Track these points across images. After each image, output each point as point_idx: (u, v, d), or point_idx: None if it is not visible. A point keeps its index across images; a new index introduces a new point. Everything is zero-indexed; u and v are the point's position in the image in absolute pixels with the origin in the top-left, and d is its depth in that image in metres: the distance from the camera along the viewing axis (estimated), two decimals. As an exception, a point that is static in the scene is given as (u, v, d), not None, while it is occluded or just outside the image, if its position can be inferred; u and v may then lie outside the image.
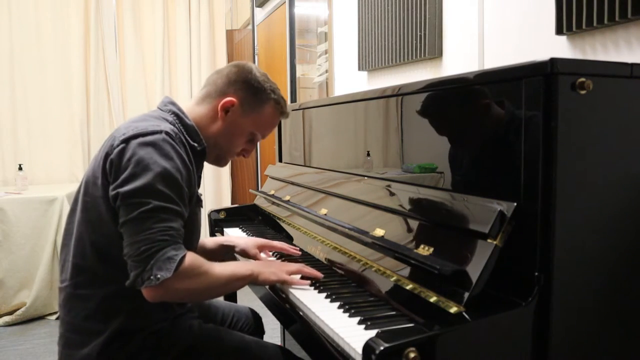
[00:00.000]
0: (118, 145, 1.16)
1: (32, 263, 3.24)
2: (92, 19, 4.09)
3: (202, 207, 1.38)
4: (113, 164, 1.15)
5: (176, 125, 1.28)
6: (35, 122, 3.99)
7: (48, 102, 4.02)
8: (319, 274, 1.29)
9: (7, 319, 3.19)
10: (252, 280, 1.27)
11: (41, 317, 3.27)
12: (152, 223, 1.10)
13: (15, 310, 3.22)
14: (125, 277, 1.13)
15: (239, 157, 1.45)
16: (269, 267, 1.30)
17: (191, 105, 1.36)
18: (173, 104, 1.33)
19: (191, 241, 1.29)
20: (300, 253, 1.53)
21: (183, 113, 1.31)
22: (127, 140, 1.16)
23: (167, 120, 1.27)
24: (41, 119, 4.00)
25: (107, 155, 1.18)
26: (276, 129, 2.32)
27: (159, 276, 1.08)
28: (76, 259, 1.23)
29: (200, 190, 1.36)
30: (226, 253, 1.62)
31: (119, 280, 1.16)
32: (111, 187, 1.15)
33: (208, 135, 1.33)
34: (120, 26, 4.25)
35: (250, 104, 1.34)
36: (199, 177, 1.38)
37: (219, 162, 1.43)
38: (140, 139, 1.15)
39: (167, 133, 1.18)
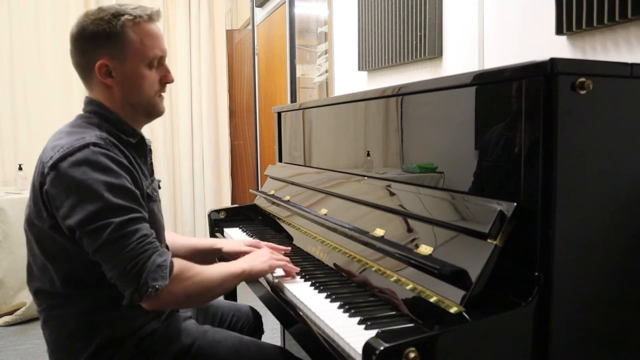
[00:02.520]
0: (49, 173, 1.08)
1: (32, 263, 3.24)
2: (92, 19, 4.09)
3: (156, 201, 1.29)
4: (50, 195, 1.08)
5: (103, 125, 1.19)
6: (35, 122, 3.99)
7: (48, 102, 4.02)
8: (297, 269, 1.34)
9: (7, 319, 3.19)
10: (246, 277, 1.26)
11: (41, 317, 3.27)
12: (125, 240, 1.06)
13: (15, 310, 3.22)
14: (98, 292, 1.11)
15: (167, 90, 1.29)
16: (259, 258, 1.30)
17: (89, 95, 1.25)
18: (92, 102, 1.23)
19: (158, 238, 1.23)
20: (289, 249, 1.53)
21: (105, 109, 1.21)
22: (55, 166, 1.07)
23: (92, 124, 1.18)
24: (41, 119, 4.00)
25: (41, 185, 1.10)
26: (276, 130, 2.32)
27: (156, 286, 1.06)
28: (45, 286, 1.18)
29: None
30: (213, 255, 1.60)
31: (94, 297, 1.15)
32: (60, 219, 1.08)
33: (121, 106, 1.22)
34: (120, 26, 4.24)
35: (115, 47, 1.17)
36: (151, 166, 1.32)
37: (153, 114, 1.27)
38: (70, 159, 1.07)
39: (94, 144, 1.09)
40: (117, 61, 1.19)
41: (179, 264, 1.13)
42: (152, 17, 1.22)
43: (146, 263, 1.06)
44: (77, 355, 1.18)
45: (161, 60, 1.25)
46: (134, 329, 1.21)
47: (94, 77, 1.21)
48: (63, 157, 1.08)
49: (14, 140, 3.96)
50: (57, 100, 4.05)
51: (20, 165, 3.64)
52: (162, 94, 1.28)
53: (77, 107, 4.07)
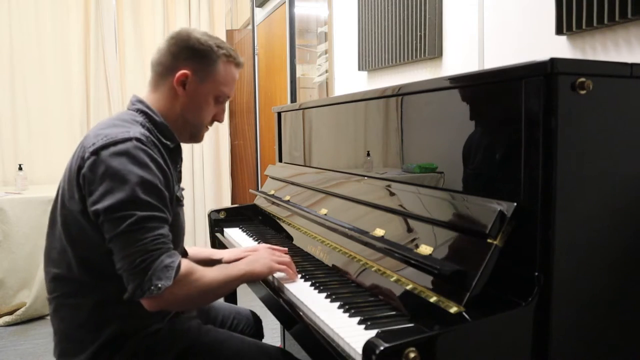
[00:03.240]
0: (89, 158, 1.12)
1: (32, 263, 3.24)
2: (92, 19, 4.09)
3: (182, 205, 1.35)
4: (86, 178, 1.12)
5: (146, 125, 1.24)
6: (35, 122, 3.99)
7: (48, 102, 4.02)
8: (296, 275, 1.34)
9: (7, 319, 3.19)
10: (247, 279, 1.27)
11: (41, 317, 3.28)
12: (142, 234, 1.08)
13: (15, 310, 3.22)
14: (113, 285, 1.12)
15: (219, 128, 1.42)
16: (259, 261, 1.31)
17: (147, 94, 1.32)
18: (141, 102, 1.29)
19: (177, 242, 1.27)
20: (286, 250, 1.52)
21: (152, 110, 1.27)
22: (97, 152, 1.12)
23: (137, 122, 1.23)
24: (41, 119, 4.00)
25: (79, 168, 1.14)
26: (276, 130, 2.32)
27: (159, 285, 1.07)
28: (62, 272, 1.21)
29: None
30: (212, 265, 1.60)
31: (108, 289, 1.16)
32: (89, 203, 1.12)
33: (175, 116, 1.29)
34: (120, 26, 4.25)
35: (203, 68, 1.28)
36: (179, 173, 1.37)
37: (194, 138, 1.37)
38: (112, 149, 1.11)
39: (137, 139, 1.14)
40: (196, 78, 1.28)
41: (185, 267, 1.14)
42: (240, 64, 1.37)
43: (155, 261, 1.08)
44: (83, 347, 1.20)
45: (225, 100, 1.37)
46: (140, 327, 1.23)
47: (168, 80, 1.29)
48: (106, 146, 1.12)
49: (14, 140, 3.96)
50: (57, 100, 4.05)
51: (20, 165, 3.64)
52: (205, 130, 1.39)
53: (77, 107, 4.08)
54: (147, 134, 1.20)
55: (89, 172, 1.12)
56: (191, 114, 1.31)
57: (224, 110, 1.39)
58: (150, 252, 1.08)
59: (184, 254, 1.47)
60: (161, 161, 1.18)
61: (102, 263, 1.15)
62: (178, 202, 1.29)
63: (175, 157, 1.32)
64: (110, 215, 1.09)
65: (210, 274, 1.19)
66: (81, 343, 1.20)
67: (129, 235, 1.08)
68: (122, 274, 1.10)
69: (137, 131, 1.17)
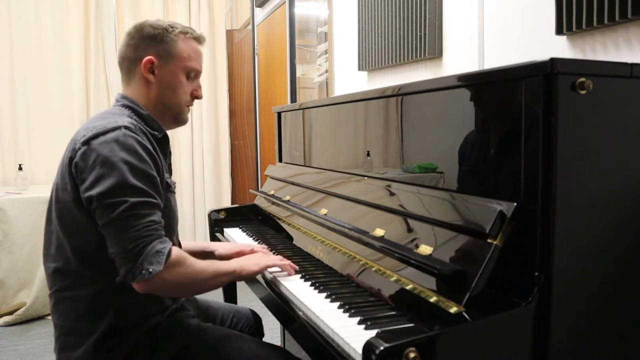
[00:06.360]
0: (80, 148, 1.16)
1: (32, 263, 3.24)
2: (92, 19, 4.09)
3: (174, 192, 1.38)
4: (78, 167, 1.16)
5: (133, 117, 1.28)
6: (35, 122, 3.99)
7: (48, 102, 4.02)
8: (294, 266, 1.36)
9: (7, 319, 3.19)
10: (236, 276, 1.30)
11: (41, 317, 3.27)
12: (134, 220, 1.12)
13: (15, 310, 3.22)
14: (110, 276, 1.15)
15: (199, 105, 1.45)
16: (251, 261, 1.34)
17: (124, 91, 1.36)
18: (125, 97, 1.33)
19: (170, 228, 1.30)
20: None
21: (136, 104, 1.31)
22: (87, 142, 1.16)
23: (124, 114, 1.28)
24: (41, 119, 4.00)
25: (71, 159, 1.18)
26: (276, 130, 2.32)
27: (150, 270, 1.11)
28: (60, 265, 1.23)
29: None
30: (206, 258, 1.62)
31: (105, 279, 1.19)
32: (82, 190, 1.15)
33: (154, 104, 1.33)
34: (120, 26, 4.25)
35: (164, 50, 1.32)
36: (169, 165, 1.40)
37: (178, 121, 1.39)
38: (102, 138, 1.16)
39: (126, 127, 1.19)
40: (162, 61, 1.32)
41: (176, 253, 1.17)
42: (198, 38, 1.39)
43: (146, 247, 1.12)
44: (82, 340, 1.21)
45: (197, 75, 1.39)
46: (138, 321, 1.24)
47: (137, 71, 1.32)
48: (96, 136, 1.16)
49: (14, 140, 3.96)
50: (57, 100, 4.05)
51: (20, 165, 3.64)
52: (190, 106, 1.40)
53: (77, 107, 4.08)
54: (135, 122, 1.25)
55: (81, 161, 1.15)
56: (167, 97, 1.33)
57: (199, 86, 1.40)
58: (142, 239, 1.12)
59: (178, 245, 1.48)
60: (150, 148, 1.22)
61: (97, 254, 1.18)
62: (168, 187, 1.32)
63: (164, 147, 1.35)
64: (102, 201, 1.12)
65: (200, 265, 1.23)
66: (80, 336, 1.22)
67: (121, 222, 1.11)
68: (114, 258, 1.13)
69: (126, 120, 1.22)
